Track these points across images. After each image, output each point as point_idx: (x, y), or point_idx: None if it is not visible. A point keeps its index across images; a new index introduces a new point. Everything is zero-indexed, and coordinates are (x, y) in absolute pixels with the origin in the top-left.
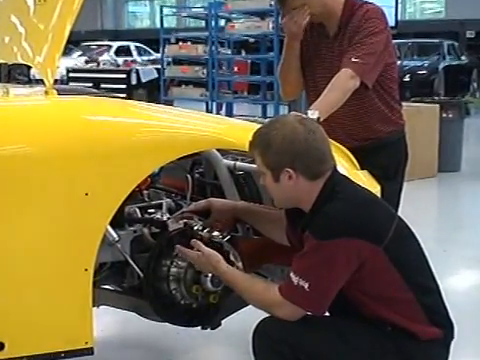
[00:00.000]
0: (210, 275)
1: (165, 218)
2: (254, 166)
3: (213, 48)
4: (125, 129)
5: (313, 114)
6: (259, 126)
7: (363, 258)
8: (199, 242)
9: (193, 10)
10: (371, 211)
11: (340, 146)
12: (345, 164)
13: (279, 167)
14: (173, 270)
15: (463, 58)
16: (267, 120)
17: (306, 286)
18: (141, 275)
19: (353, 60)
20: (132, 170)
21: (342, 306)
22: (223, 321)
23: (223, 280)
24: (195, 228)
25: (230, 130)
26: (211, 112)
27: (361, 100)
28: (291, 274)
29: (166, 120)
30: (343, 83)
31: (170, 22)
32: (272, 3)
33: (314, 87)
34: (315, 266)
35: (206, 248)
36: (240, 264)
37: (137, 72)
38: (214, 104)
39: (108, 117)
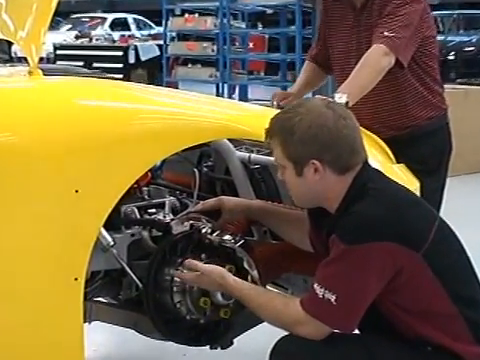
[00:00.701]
0: None
1: (168, 219)
2: (272, 159)
3: (224, 21)
4: (122, 116)
5: (341, 98)
6: (278, 111)
7: (399, 265)
8: (194, 261)
9: None
10: (408, 212)
11: (372, 136)
12: (379, 157)
13: (304, 159)
14: (177, 280)
15: None
16: (289, 105)
17: (333, 299)
18: (140, 286)
19: (386, 34)
20: (130, 163)
21: (374, 322)
22: (235, 340)
23: (233, 296)
24: (203, 231)
25: (244, 117)
26: (222, 96)
27: (395, 81)
28: (315, 285)
29: (169, 105)
30: (375, 61)
31: None
32: None
33: (341, 68)
34: (343, 275)
35: (204, 265)
36: (255, 273)
37: (136, 49)
38: (226, 86)
39: (102, 102)
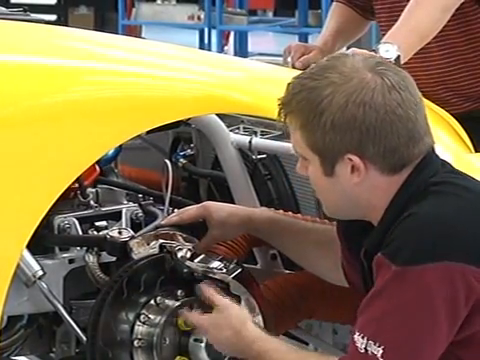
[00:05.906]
0: (205, 340)
1: (126, 237)
2: (286, 145)
3: None
4: (54, 79)
5: (388, 51)
6: (298, 74)
7: (476, 296)
8: (211, 290)
9: None
10: None
11: (439, 111)
12: (448, 142)
13: (336, 152)
14: (140, 329)
15: None
16: (313, 64)
17: (379, 353)
18: (83, 339)
19: None
20: (67, 151)
21: None
22: None
23: (246, 356)
24: (180, 255)
25: (242, 80)
26: (208, 48)
27: (467, 25)
28: (356, 334)
29: (127, 62)
30: None
31: None
32: None
33: (388, 8)
34: (393, 315)
35: (225, 300)
36: (260, 319)
37: None
38: (214, 33)
39: (24, 57)
